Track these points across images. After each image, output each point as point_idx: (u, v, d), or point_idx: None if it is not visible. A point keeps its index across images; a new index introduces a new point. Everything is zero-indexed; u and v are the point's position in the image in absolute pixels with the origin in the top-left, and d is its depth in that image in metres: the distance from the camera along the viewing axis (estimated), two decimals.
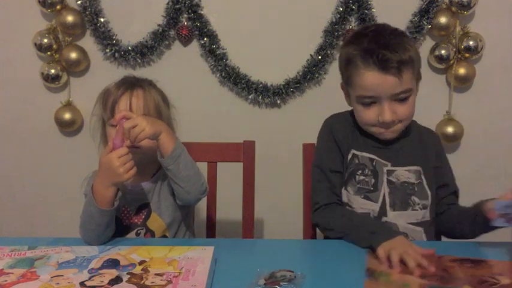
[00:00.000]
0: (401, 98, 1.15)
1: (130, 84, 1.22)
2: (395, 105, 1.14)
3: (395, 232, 1.10)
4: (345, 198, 1.24)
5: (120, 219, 1.24)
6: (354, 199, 1.22)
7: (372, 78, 1.11)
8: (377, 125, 1.17)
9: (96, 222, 1.09)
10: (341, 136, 1.26)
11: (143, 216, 1.25)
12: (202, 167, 1.40)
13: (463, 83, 1.93)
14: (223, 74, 1.92)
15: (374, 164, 1.22)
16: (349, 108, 1.29)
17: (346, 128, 1.27)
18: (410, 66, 1.13)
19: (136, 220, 1.25)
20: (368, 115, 1.17)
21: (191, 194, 1.13)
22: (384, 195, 1.20)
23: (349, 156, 1.24)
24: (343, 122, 1.29)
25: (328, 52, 1.89)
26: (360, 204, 1.21)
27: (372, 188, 1.21)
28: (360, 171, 1.22)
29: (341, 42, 1.91)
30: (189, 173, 1.12)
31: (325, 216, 1.21)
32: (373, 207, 1.20)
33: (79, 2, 1.87)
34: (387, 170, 1.21)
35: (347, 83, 1.21)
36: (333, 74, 1.95)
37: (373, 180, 1.21)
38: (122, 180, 1.09)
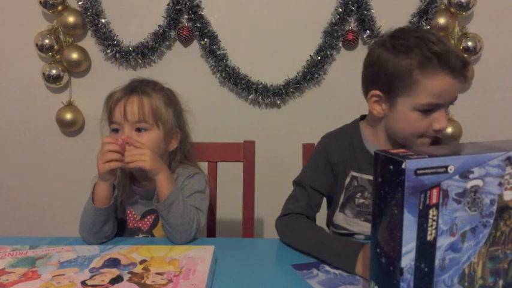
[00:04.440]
0: (450, 105, 1.09)
1: (129, 89, 1.21)
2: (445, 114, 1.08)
3: (358, 245, 0.99)
4: (340, 222, 1.20)
5: (125, 222, 1.25)
6: (353, 222, 1.18)
7: (446, 83, 1.02)
8: (425, 134, 1.08)
9: (91, 220, 1.11)
10: (338, 158, 1.18)
11: (149, 223, 1.25)
12: (203, 166, 1.41)
13: None
14: (223, 75, 1.93)
15: None
16: (345, 121, 1.25)
17: (344, 148, 1.19)
18: None
19: (141, 225, 1.25)
20: (423, 124, 1.06)
21: (175, 239, 1.12)
22: None
23: (348, 179, 1.18)
24: (341, 143, 1.20)
25: (328, 53, 1.90)
26: (361, 227, 1.17)
27: None
28: (359, 194, 1.17)
29: (340, 43, 1.92)
30: (177, 222, 1.11)
31: (289, 223, 1.13)
32: None
33: (80, 3, 1.88)
34: None
35: (398, 92, 1.05)
36: (333, 74, 1.96)
37: None
38: (99, 171, 1.10)
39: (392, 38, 1.08)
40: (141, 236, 1.24)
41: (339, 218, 1.20)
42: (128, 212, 1.26)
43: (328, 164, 1.19)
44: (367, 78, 1.13)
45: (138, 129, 1.18)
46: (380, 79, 1.08)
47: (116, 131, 1.20)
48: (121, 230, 1.22)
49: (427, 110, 1.05)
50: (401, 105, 1.06)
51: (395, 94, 1.06)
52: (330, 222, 1.24)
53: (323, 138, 1.25)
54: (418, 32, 1.09)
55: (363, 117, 1.23)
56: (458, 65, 1.02)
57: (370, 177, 1.15)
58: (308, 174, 1.22)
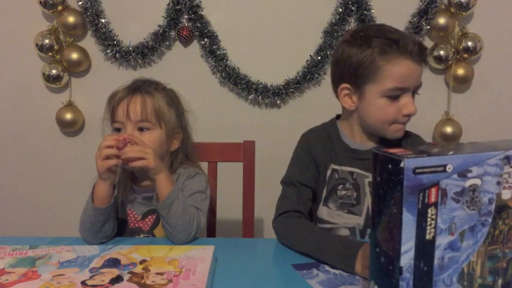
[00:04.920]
0: (416, 91, 1.14)
1: (132, 89, 1.21)
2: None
3: (357, 244, 0.99)
4: (324, 215, 1.21)
5: (126, 223, 1.25)
6: (336, 215, 1.19)
7: (407, 67, 1.09)
8: (397, 121, 1.14)
9: (90, 220, 1.11)
10: (319, 152, 1.22)
11: (150, 223, 1.25)
12: (203, 166, 1.41)
13: (461, 84, 1.94)
14: (223, 75, 1.93)
15: (354, 177, 1.18)
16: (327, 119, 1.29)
17: (323, 142, 1.23)
18: None
19: (142, 225, 1.25)
20: (392, 110, 1.12)
21: (175, 239, 1.12)
22: (368, 208, 1.17)
23: (329, 172, 1.21)
24: (320, 137, 1.24)
25: (328, 53, 1.90)
26: (345, 219, 1.18)
27: (354, 202, 1.18)
28: (341, 186, 1.19)
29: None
30: (177, 221, 1.11)
31: (286, 224, 1.15)
32: (357, 221, 1.17)
33: (80, 3, 1.89)
34: (369, 182, 1.17)
35: (365, 80, 1.12)
36: None
37: (355, 194, 1.18)
38: (98, 170, 1.10)
39: (353, 33, 1.17)
40: (142, 236, 1.24)
41: (323, 211, 1.21)
42: (129, 212, 1.26)
43: (312, 157, 1.22)
44: (335, 75, 1.20)
45: (141, 129, 1.19)
46: (347, 72, 1.15)
47: (118, 130, 1.20)
48: (122, 230, 1.22)
49: (394, 96, 1.11)
50: (369, 93, 1.13)
51: (362, 83, 1.13)
52: (313, 217, 1.25)
53: (303, 134, 1.30)
54: (376, 25, 1.19)
55: (338, 117, 1.28)
56: (416, 49, 1.09)
57: (350, 169, 1.20)
58: (294, 170, 1.24)
